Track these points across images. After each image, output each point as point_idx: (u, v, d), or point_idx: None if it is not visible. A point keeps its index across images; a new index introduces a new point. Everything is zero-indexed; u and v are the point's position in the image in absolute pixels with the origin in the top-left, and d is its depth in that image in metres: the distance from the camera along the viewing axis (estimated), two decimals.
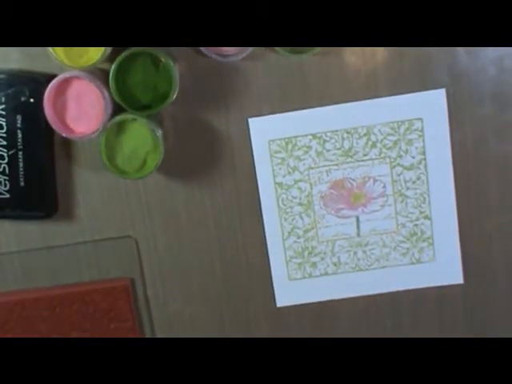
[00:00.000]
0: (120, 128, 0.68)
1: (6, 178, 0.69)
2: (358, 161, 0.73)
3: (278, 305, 0.77)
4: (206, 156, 0.73)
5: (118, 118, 0.68)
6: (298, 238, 0.75)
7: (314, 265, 0.76)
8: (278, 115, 0.72)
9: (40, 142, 0.70)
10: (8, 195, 0.70)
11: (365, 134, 0.72)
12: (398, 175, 0.73)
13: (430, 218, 0.74)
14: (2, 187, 0.70)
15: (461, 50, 0.71)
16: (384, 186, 0.74)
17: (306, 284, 0.76)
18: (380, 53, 0.71)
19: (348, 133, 0.72)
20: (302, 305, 0.77)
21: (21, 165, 0.69)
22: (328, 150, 0.73)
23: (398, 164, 0.73)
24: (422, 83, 0.71)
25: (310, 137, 0.73)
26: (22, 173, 0.69)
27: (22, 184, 0.70)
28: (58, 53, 0.65)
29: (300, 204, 0.74)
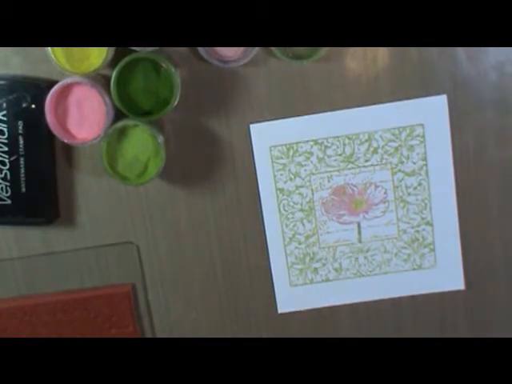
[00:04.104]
0: (121, 134, 0.69)
1: (8, 184, 0.69)
2: (359, 167, 0.73)
3: (280, 311, 0.77)
4: (207, 162, 0.73)
5: (120, 123, 0.68)
6: (300, 243, 0.75)
7: (316, 271, 0.76)
8: (279, 121, 0.72)
9: (41, 148, 0.70)
10: (9, 201, 0.70)
11: (366, 140, 0.72)
12: (400, 181, 0.73)
13: (431, 224, 0.74)
14: (4, 193, 0.70)
15: (462, 55, 0.71)
16: (385, 192, 0.74)
17: (308, 290, 0.76)
18: (381, 58, 0.71)
19: (349, 139, 0.72)
20: (303, 311, 0.77)
21: (22, 171, 0.69)
22: (329, 156, 0.73)
23: (400, 170, 0.73)
24: (424, 89, 0.71)
25: (312, 143, 0.73)
26: (23, 179, 0.69)
27: (24, 190, 0.70)
28: (60, 59, 0.65)
29: (301, 210, 0.74)
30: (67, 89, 0.67)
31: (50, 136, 0.69)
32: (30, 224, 0.73)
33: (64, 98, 0.67)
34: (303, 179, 0.73)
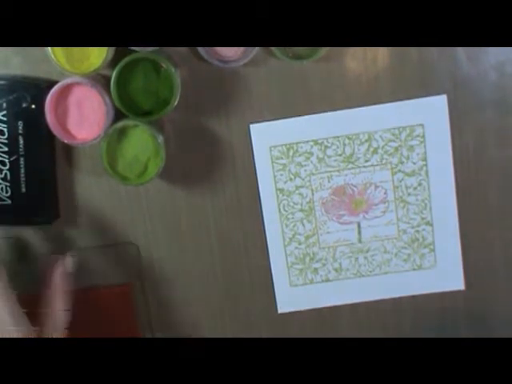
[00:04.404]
0: (121, 134, 0.69)
1: (8, 184, 0.69)
2: (359, 167, 0.73)
3: (279, 311, 0.77)
4: (207, 162, 0.73)
5: (120, 123, 0.68)
6: (300, 244, 0.75)
7: (316, 271, 0.76)
8: (279, 121, 0.72)
9: (41, 148, 0.70)
10: (9, 201, 0.70)
11: (366, 140, 0.72)
12: (400, 181, 0.73)
13: (431, 224, 0.74)
14: (4, 193, 0.70)
15: (462, 55, 0.71)
16: (385, 192, 0.74)
17: (308, 290, 0.76)
18: (381, 58, 0.71)
19: (349, 139, 0.72)
20: (303, 311, 0.77)
21: (22, 171, 0.69)
22: (329, 156, 0.73)
23: (400, 170, 0.73)
24: (424, 89, 0.71)
25: (312, 143, 0.73)
26: (23, 179, 0.69)
27: (24, 190, 0.70)
28: (60, 59, 0.65)
29: (301, 210, 0.74)
30: (67, 89, 0.67)
31: (50, 136, 0.69)
32: (29, 224, 0.73)
33: (64, 98, 0.67)
34: (303, 179, 0.73)
